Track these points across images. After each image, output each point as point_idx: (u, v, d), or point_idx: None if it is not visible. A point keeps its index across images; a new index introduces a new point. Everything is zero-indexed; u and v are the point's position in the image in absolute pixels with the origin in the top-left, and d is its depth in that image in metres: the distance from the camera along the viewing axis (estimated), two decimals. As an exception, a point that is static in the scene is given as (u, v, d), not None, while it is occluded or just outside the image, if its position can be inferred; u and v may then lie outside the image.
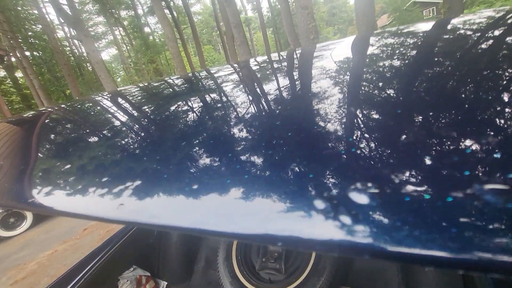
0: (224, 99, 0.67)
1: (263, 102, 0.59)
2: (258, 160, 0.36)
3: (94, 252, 1.50)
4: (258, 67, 1.00)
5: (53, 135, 0.81)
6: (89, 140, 0.67)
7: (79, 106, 1.16)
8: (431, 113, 0.36)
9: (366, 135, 0.35)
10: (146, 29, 27.14)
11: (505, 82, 0.40)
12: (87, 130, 0.76)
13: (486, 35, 0.63)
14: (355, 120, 0.41)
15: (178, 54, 16.99)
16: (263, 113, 0.54)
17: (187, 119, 0.58)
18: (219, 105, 0.64)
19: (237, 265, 1.45)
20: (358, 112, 0.44)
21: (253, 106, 0.57)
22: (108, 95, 1.25)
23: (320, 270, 1.24)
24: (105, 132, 0.70)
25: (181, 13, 26.43)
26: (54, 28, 20.32)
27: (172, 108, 0.71)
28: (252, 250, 1.56)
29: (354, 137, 0.35)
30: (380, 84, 0.52)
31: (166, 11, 18.44)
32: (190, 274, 1.80)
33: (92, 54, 13.35)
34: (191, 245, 1.86)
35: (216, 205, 0.31)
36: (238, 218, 0.28)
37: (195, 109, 0.65)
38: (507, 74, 0.43)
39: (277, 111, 0.53)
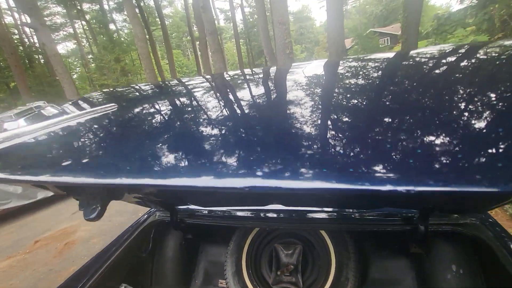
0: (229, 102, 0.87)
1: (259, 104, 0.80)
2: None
3: (80, 271, 1.28)
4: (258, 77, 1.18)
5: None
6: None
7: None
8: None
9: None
10: (111, 26, 25.55)
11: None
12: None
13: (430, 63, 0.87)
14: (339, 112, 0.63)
15: (148, 55, 16.25)
16: (263, 109, 0.75)
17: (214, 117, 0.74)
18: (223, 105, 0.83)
19: (249, 279, 1.36)
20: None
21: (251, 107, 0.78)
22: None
23: (343, 282, 1.21)
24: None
25: (151, 14, 25.53)
26: (1, 12, 17.99)
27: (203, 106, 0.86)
28: (263, 262, 1.48)
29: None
30: (348, 99, 0.72)
31: (136, 10, 17.61)
32: None
33: (49, 45, 12.09)
34: (188, 259, 1.70)
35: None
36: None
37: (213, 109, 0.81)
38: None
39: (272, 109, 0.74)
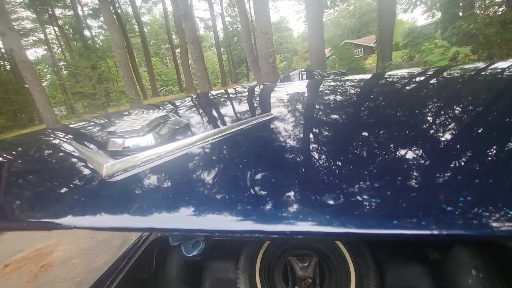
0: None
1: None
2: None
3: None
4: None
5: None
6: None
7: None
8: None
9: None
10: (86, 33, 24.57)
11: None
12: None
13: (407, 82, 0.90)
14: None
15: (126, 62, 15.79)
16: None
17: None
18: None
19: None
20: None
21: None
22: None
23: (365, 293, 1.17)
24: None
25: (129, 21, 24.97)
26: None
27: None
28: (277, 277, 1.41)
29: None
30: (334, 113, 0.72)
31: (114, 16, 17.11)
32: None
33: (17, 51, 11.39)
34: (193, 277, 1.59)
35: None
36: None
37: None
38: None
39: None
